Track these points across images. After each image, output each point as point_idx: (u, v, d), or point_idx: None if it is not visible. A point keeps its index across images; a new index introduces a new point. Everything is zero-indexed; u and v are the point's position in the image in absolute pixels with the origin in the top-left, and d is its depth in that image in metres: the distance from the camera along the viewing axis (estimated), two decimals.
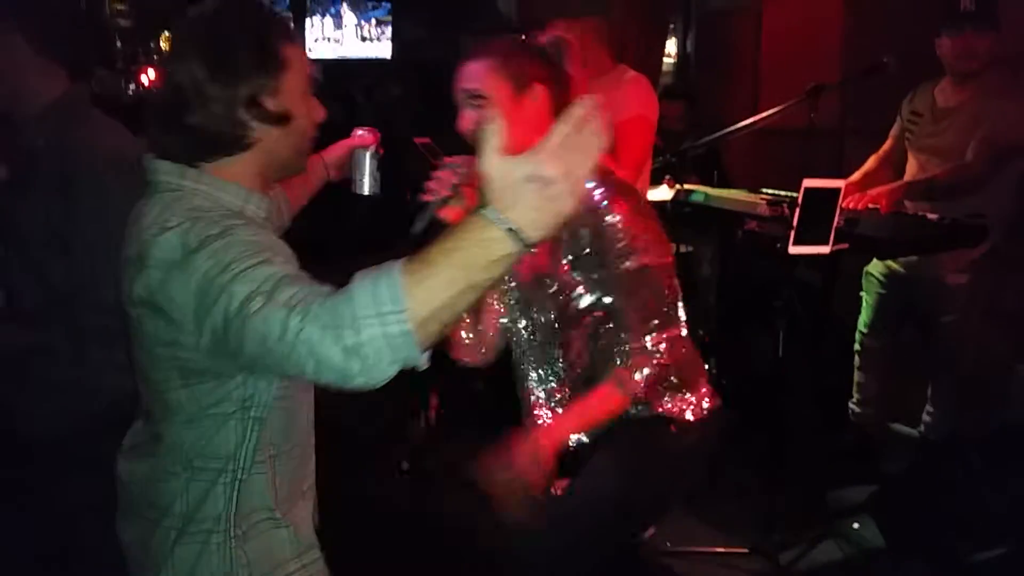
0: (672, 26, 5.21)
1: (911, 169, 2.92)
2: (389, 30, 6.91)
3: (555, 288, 1.74)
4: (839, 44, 3.81)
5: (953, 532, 2.55)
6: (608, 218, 1.63)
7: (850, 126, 3.53)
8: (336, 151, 1.86)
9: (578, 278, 1.70)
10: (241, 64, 1.16)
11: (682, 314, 1.72)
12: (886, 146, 3.01)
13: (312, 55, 6.58)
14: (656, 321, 1.65)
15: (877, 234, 2.47)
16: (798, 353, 3.14)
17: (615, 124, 1.67)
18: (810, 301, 2.96)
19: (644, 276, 1.65)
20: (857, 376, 3.13)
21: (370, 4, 6.89)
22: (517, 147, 1.63)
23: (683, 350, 1.72)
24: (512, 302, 1.86)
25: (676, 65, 5.26)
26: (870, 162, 3.03)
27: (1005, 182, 2.75)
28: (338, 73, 6.61)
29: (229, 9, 1.20)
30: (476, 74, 1.62)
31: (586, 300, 1.72)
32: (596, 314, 1.71)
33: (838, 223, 2.35)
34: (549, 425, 1.79)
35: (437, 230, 1.72)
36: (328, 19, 6.89)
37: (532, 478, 1.61)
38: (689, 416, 1.74)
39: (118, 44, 5.48)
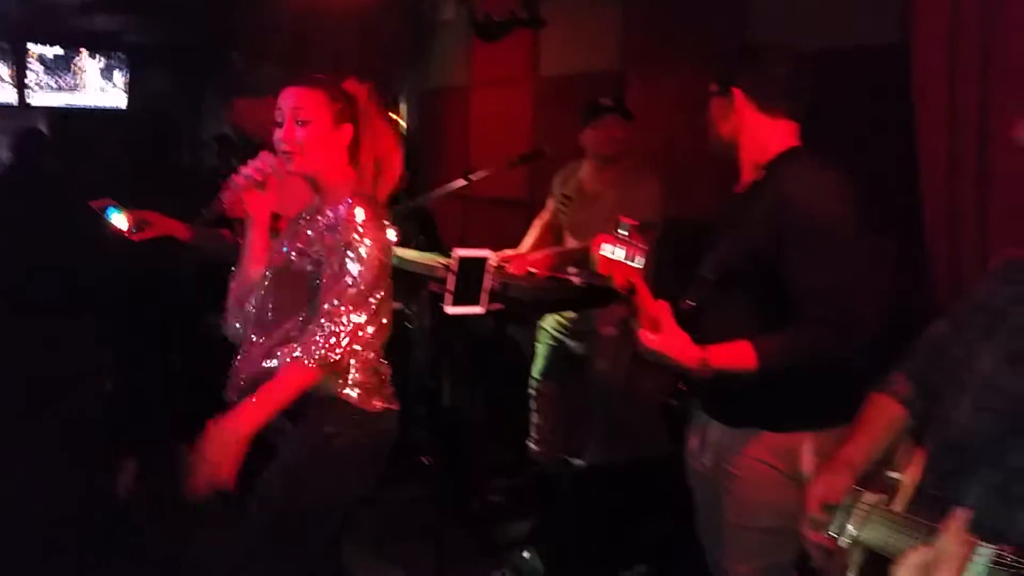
0: (402, 100, 5.66)
1: (566, 241, 3.41)
2: (127, 80, 6.77)
3: None
4: (531, 125, 4.35)
5: (604, 554, 2.96)
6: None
7: (537, 198, 4.02)
8: None
9: None
10: None
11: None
12: (545, 216, 3.50)
13: (34, 101, 6.30)
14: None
15: (525, 296, 2.88)
16: (481, 399, 3.51)
17: None
18: (486, 352, 3.34)
19: None
20: (533, 417, 3.55)
21: (111, 54, 6.72)
22: (312, 169, 1.96)
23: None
24: None
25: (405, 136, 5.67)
26: (536, 229, 3.50)
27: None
28: (66, 122, 6.35)
29: None
30: (305, 98, 1.89)
31: None
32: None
33: (493, 286, 2.73)
34: (235, 410, 1.79)
35: (222, 220, 1.90)
36: (59, 63, 6.58)
37: (221, 468, 1.69)
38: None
39: None
